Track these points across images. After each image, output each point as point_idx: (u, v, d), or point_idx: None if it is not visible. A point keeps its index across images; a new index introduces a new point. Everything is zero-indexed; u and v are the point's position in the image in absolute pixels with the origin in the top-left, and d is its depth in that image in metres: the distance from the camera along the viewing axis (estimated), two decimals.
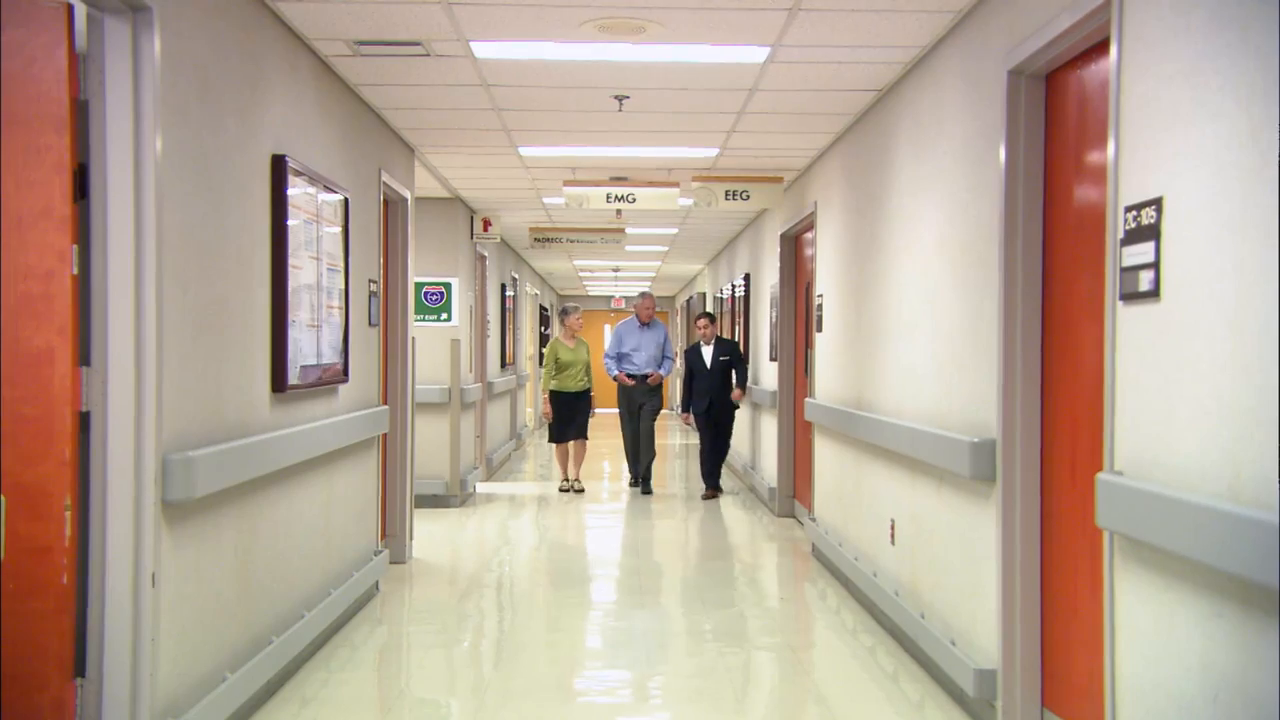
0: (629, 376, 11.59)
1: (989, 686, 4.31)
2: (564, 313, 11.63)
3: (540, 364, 18.29)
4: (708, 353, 11.09)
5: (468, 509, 10.33)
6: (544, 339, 21.05)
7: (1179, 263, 2.87)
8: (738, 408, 11.33)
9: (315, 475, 5.45)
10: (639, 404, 11.60)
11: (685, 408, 11.55)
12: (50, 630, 3.43)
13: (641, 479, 11.60)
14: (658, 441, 13.77)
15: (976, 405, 4.55)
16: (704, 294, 19.09)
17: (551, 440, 11.59)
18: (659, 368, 11.72)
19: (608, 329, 26.98)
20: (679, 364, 18.17)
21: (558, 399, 11.46)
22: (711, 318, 11.44)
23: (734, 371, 11.12)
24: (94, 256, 3.53)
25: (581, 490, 11.45)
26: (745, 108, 6.68)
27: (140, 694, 3.57)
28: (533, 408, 19.15)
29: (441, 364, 10.39)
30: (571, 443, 11.52)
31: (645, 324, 11.76)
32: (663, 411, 19.70)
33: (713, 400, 11.04)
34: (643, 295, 11.93)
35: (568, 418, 11.43)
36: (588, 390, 11.58)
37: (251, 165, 4.57)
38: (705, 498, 11.06)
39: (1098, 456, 3.60)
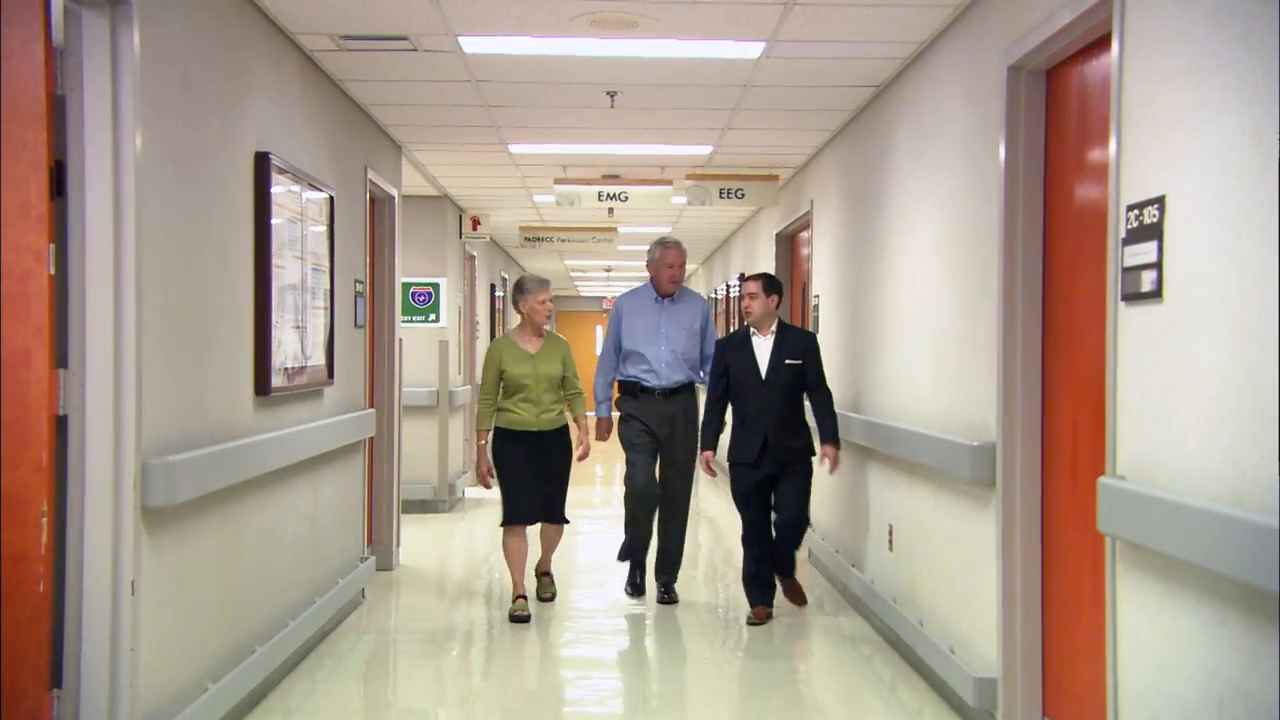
0: (642, 390, 6.57)
1: (989, 695, 4.26)
2: (520, 289, 6.37)
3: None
4: (762, 348, 6.09)
5: (456, 514, 10.26)
6: None
7: (1182, 262, 2.84)
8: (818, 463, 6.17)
9: (300, 480, 5.37)
10: (659, 437, 6.58)
11: (706, 443, 6.29)
12: (27, 639, 3.35)
13: (657, 579, 6.77)
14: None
15: (976, 408, 4.49)
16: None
17: (504, 521, 6.35)
18: (698, 376, 6.72)
19: (599, 331, 25.41)
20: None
21: (506, 444, 6.28)
22: (774, 286, 6.20)
23: (810, 397, 6.14)
24: (71, 256, 3.47)
25: (524, 618, 6.20)
26: (740, 104, 6.61)
27: (119, 705, 3.51)
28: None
29: (429, 366, 10.31)
30: (541, 525, 6.50)
31: (667, 296, 6.75)
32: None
33: (768, 441, 5.98)
34: (662, 244, 6.73)
35: (525, 477, 6.25)
36: (563, 429, 6.41)
37: (234, 162, 4.49)
38: (751, 622, 6.15)
39: (1099, 460, 3.55)
